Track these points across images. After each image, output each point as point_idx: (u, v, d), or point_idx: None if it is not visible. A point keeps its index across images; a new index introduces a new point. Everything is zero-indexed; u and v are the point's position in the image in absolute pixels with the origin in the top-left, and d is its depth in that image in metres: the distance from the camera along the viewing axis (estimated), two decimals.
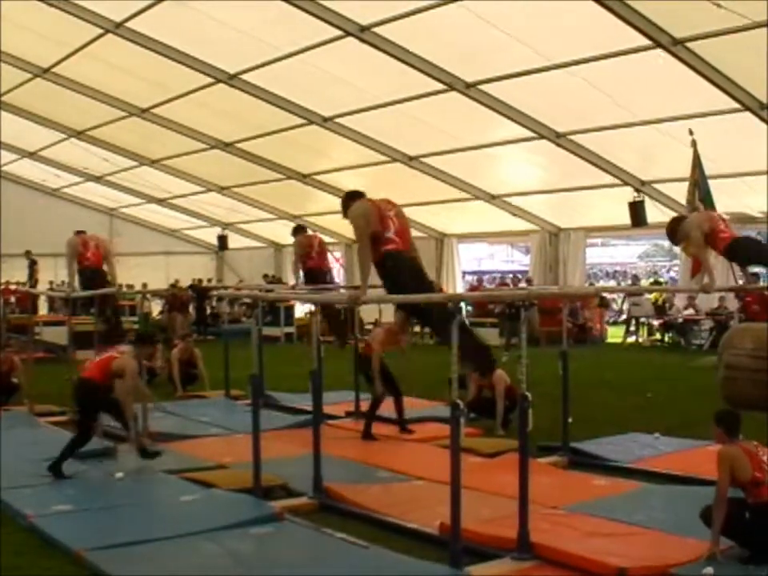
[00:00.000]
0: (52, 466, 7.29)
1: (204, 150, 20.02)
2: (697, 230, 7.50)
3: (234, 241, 26.58)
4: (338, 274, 21.00)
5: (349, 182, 19.30)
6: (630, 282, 30.45)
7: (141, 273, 24.53)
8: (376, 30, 13.01)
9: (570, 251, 20.72)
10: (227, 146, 19.73)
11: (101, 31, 14.58)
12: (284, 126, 17.60)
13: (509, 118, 15.14)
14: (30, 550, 5.53)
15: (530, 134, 15.75)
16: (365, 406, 10.19)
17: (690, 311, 19.18)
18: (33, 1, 13.40)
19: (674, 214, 11.77)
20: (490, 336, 18.45)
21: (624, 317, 22.62)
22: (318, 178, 20.91)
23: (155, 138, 19.92)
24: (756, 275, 14.16)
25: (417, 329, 21.79)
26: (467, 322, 19.54)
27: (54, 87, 17.55)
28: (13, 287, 20.48)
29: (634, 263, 42.01)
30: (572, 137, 15.70)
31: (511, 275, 24.36)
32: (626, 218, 16.57)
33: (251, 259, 27.79)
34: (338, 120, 16.99)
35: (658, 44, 11.61)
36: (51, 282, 24.31)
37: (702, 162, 13.98)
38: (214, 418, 10.22)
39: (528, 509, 5.39)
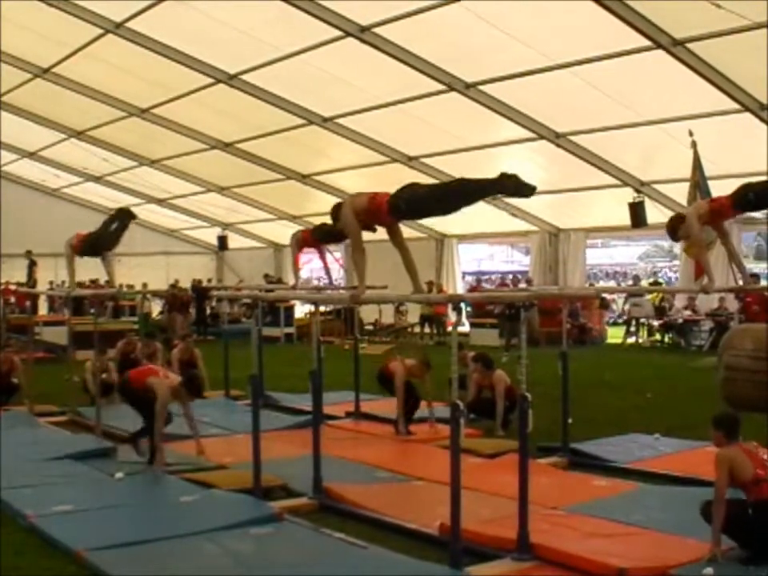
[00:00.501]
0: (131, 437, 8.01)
1: (204, 150, 20.05)
2: (695, 220, 7.15)
3: (234, 241, 26.58)
4: (338, 273, 20.95)
5: (349, 182, 19.37)
6: (630, 282, 30.38)
7: (141, 273, 24.60)
8: (376, 30, 13.03)
9: (570, 252, 20.73)
10: (227, 146, 19.75)
11: (101, 31, 14.61)
12: (284, 126, 17.62)
13: (509, 118, 15.16)
14: (30, 550, 5.52)
15: (529, 134, 15.77)
16: (365, 406, 10.32)
17: (689, 312, 19.16)
18: (33, 1, 13.44)
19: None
20: (490, 337, 18.49)
21: (624, 317, 22.59)
22: (318, 178, 20.91)
23: (155, 138, 19.94)
24: (756, 275, 14.16)
25: (417, 329, 21.85)
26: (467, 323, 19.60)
27: (53, 87, 17.57)
28: (12, 287, 20.44)
29: (634, 264, 41.93)
30: (572, 137, 15.72)
31: (511, 276, 24.32)
32: (625, 219, 16.55)
33: (251, 259, 27.79)
34: (337, 120, 17.01)
35: (658, 45, 11.62)
36: (51, 282, 24.34)
37: (702, 162, 13.99)
38: (214, 418, 10.18)
39: (528, 509, 5.39)
